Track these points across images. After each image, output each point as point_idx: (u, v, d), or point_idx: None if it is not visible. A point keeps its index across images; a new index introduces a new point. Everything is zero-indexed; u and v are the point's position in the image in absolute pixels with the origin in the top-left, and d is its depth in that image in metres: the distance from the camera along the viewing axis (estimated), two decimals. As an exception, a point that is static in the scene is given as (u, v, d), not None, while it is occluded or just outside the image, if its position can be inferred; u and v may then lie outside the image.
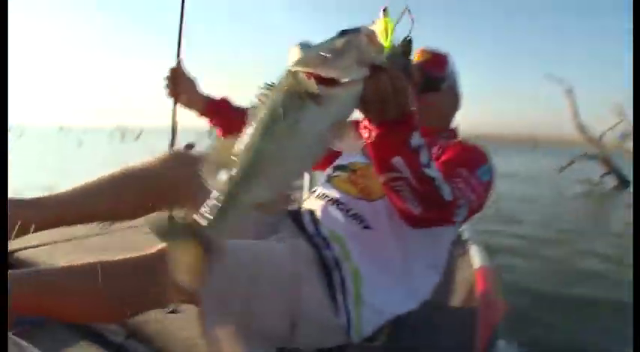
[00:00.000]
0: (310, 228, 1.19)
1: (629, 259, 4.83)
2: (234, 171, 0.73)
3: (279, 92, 0.71)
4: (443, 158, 1.22)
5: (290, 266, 1.06)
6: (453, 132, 1.45)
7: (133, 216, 1.32)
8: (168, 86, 1.45)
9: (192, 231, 0.74)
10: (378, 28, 0.73)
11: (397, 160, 0.88)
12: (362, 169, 1.29)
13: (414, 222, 1.03)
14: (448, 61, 1.40)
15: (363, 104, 0.76)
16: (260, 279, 0.98)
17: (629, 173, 12.84)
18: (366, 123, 0.88)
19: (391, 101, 0.77)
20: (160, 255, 0.93)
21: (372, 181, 1.22)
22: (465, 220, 1.13)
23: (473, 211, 1.12)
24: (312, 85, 0.69)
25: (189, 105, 1.48)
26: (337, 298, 1.08)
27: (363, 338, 1.16)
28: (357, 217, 1.21)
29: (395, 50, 0.74)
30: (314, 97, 0.69)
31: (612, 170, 12.66)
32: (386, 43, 0.72)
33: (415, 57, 1.37)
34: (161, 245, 0.95)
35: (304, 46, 2.50)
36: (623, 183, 12.62)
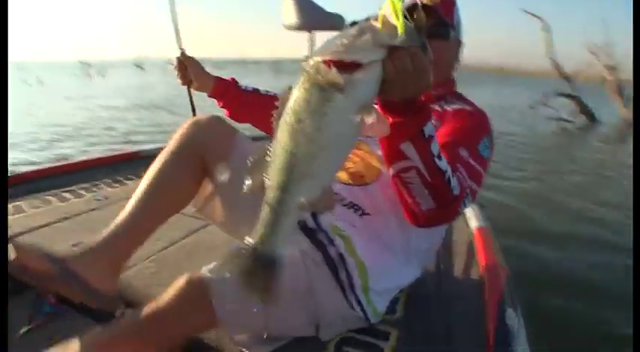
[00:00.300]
0: (310, 221, 1.16)
1: (604, 195, 5.29)
2: (273, 180, 0.73)
3: (300, 89, 0.70)
4: (442, 132, 1.16)
5: (303, 275, 1.09)
6: (451, 84, 1.36)
7: (195, 193, 1.33)
8: (178, 75, 1.55)
9: (255, 257, 0.77)
10: (387, 10, 0.71)
11: (407, 146, 0.86)
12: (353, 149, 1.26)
13: (421, 220, 1.00)
14: (456, 6, 1.31)
15: (384, 85, 0.74)
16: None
17: (599, 110, 13.29)
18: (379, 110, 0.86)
19: (412, 79, 0.74)
20: (192, 286, 1.00)
21: (363, 164, 1.22)
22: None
23: (475, 195, 1.08)
24: (333, 74, 0.67)
25: (199, 89, 1.57)
26: (347, 294, 1.11)
27: (382, 314, 1.24)
28: (353, 206, 1.20)
29: (409, 28, 0.71)
30: (336, 86, 0.67)
31: (582, 108, 13.01)
32: (398, 24, 0.70)
33: None
34: (186, 276, 1.02)
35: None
36: (592, 120, 13.04)
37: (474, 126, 1.18)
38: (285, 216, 0.75)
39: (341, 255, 1.11)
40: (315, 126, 0.69)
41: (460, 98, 1.32)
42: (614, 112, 13.83)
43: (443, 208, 0.95)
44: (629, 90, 13.61)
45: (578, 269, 3.25)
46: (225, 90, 1.53)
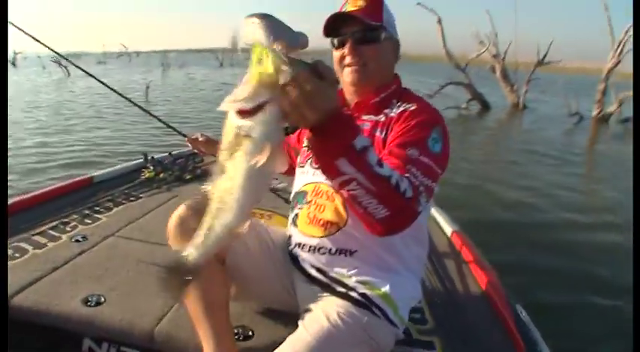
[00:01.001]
0: (321, 277, 1.28)
1: (496, 168, 6.48)
2: (210, 210, 0.89)
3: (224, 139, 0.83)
4: (390, 138, 1.18)
5: (357, 329, 1.17)
6: (395, 84, 1.34)
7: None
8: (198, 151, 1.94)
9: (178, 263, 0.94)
10: (258, 57, 0.77)
11: (342, 162, 0.88)
12: (315, 197, 1.29)
13: (379, 229, 0.99)
14: (384, 6, 1.28)
15: (290, 116, 0.80)
16: None
17: (490, 96, 14.46)
18: (307, 134, 0.89)
19: (308, 105, 0.78)
20: None
21: (330, 212, 1.25)
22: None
23: (432, 192, 1.07)
24: (236, 121, 0.79)
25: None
26: (388, 322, 1.22)
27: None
28: (342, 251, 1.25)
29: (285, 64, 0.76)
30: (241, 131, 0.79)
31: (476, 95, 14.07)
32: (267, 67, 0.76)
33: (348, 6, 1.25)
34: None
35: (262, 17, 2.48)
36: (485, 106, 14.15)
37: (419, 124, 1.16)
38: (213, 236, 0.90)
39: (364, 295, 1.21)
40: (231, 168, 0.82)
41: (406, 97, 1.30)
42: (503, 97, 15.12)
43: (397, 214, 0.95)
44: (516, 77, 14.93)
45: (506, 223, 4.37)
46: None
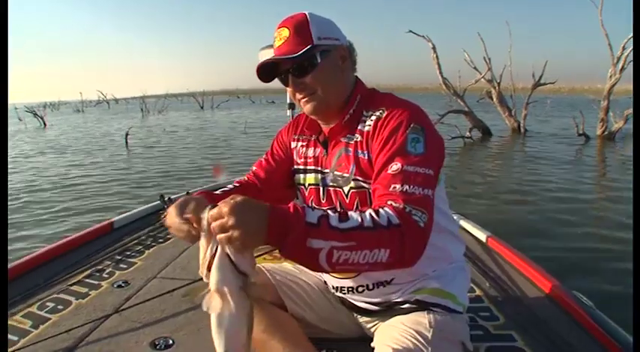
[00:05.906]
0: (374, 308, 1.32)
1: (500, 197, 6.53)
2: None
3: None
4: (373, 153, 1.15)
5: (424, 343, 1.13)
6: (359, 90, 1.28)
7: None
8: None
9: None
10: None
11: (311, 242, 0.88)
12: None
13: (401, 265, 0.98)
14: (309, 22, 1.18)
15: (239, 253, 0.88)
16: None
17: (491, 121, 14.22)
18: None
19: (236, 231, 0.83)
20: None
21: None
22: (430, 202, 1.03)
23: (426, 200, 1.02)
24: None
25: None
26: (452, 314, 1.25)
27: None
28: (379, 284, 1.28)
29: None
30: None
31: (476, 122, 13.79)
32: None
33: (276, 41, 1.19)
34: None
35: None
36: (486, 132, 13.90)
37: (392, 131, 1.13)
38: None
39: (417, 301, 1.25)
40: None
41: (374, 102, 1.24)
42: (502, 122, 14.90)
43: (399, 245, 0.93)
44: (514, 101, 14.75)
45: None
46: None
